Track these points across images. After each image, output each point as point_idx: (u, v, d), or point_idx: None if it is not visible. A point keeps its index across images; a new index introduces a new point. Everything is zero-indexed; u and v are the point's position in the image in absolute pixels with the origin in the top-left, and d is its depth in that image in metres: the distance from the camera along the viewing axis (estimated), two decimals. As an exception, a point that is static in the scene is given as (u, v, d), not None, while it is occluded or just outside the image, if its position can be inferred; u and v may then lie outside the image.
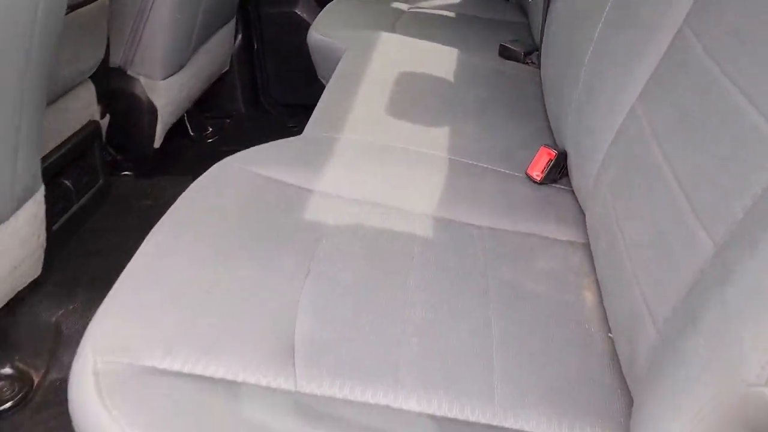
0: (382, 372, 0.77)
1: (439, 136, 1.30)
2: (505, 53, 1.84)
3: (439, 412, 0.74)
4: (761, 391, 0.46)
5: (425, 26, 1.99)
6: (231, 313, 0.82)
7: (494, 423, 0.74)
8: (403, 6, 2.16)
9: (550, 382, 0.80)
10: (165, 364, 0.73)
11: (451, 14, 2.14)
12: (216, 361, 0.74)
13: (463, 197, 1.12)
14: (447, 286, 0.92)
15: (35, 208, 1.26)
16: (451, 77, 1.60)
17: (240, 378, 0.74)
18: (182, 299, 0.82)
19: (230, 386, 0.73)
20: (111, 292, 0.83)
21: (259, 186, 1.07)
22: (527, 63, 1.81)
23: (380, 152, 1.23)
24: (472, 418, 0.74)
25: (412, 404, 0.74)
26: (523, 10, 2.20)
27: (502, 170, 1.23)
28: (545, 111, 1.45)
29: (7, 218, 1.17)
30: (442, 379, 0.77)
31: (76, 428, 0.72)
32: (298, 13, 2.35)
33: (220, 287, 0.85)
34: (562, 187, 1.22)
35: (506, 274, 0.97)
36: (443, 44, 1.80)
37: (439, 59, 1.70)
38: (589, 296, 0.97)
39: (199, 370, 0.74)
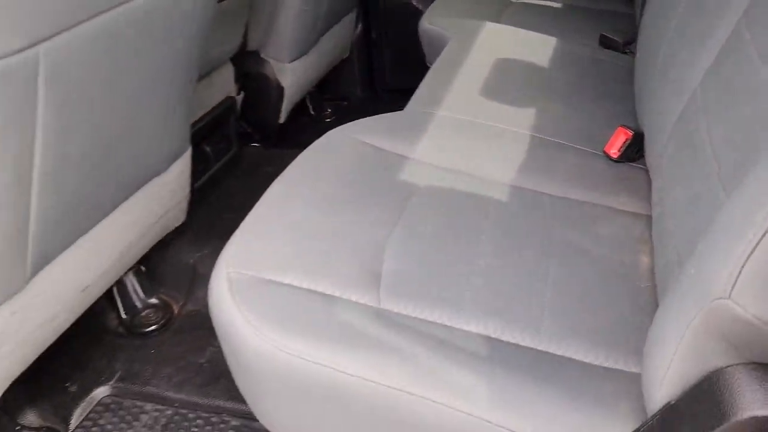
0: (448, 300, 0.94)
1: (526, 115, 1.43)
2: (605, 42, 1.90)
3: (493, 334, 0.90)
4: (726, 302, 0.58)
5: (530, 16, 2.09)
6: (332, 246, 1.02)
7: (538, 348, 0.89)
8: (511, -5, 2.27)
9: (593, 322, 0.93)
10: (279, 278, 0.95)
11: (557, 5, 2.22)
12: (318, 280, 0.95)
13: (539, 169, 1.26)
14: (513, 241, 1.06)
15: (183, 165, 1.53)
16: (546, 64, 1.71)
17: (336, 294, 0.94)
18: (295, 232, 1.03)
19: (328, 298, 0.93)
20: (241, 225, 1.06)
21: (363, 151, 1.27)
22: (626, 52, 1.85)
23: (469, 128, 1.39)
24: (521, 343, 0.89)
25: (471, 326, 0.91)
26: (629, 1, 2.24)
27: (582, 147, 1.34)
28: (633, 95, 1.54)
29: (164, 170, 1.44)
30: (497, 309, 0.93)
31: (214, 320, 0.95)
32: (414, 3, 2.51)
33: (325, 226, 1.05)
34: (639, 165, 1.31)
35: (569, 235, 1.09)
36: (545, 34, 1.90)
37: (538, 48, 1.81)
38: (644, 260, 1.08)
39: (305, 285, 0.94)
